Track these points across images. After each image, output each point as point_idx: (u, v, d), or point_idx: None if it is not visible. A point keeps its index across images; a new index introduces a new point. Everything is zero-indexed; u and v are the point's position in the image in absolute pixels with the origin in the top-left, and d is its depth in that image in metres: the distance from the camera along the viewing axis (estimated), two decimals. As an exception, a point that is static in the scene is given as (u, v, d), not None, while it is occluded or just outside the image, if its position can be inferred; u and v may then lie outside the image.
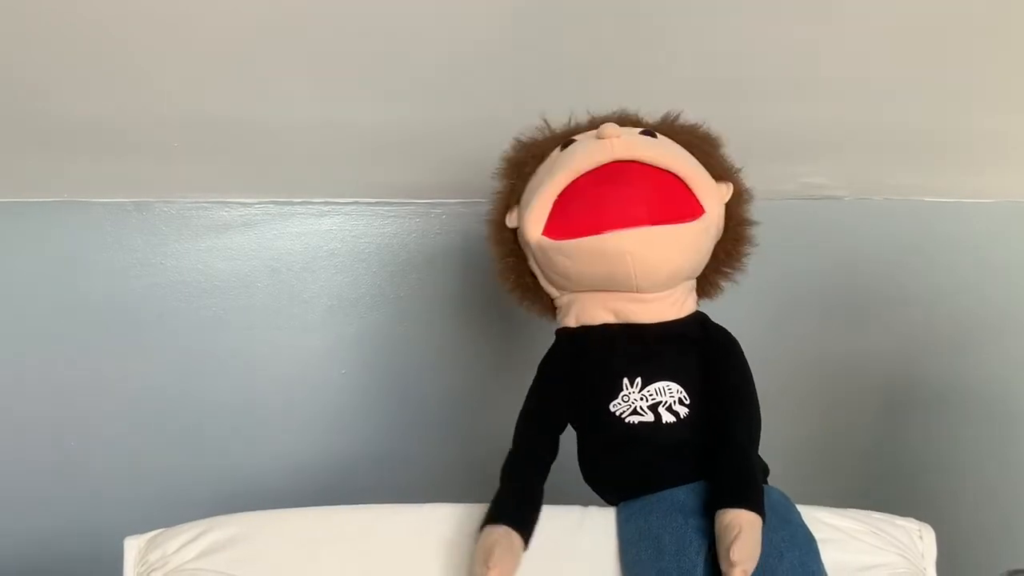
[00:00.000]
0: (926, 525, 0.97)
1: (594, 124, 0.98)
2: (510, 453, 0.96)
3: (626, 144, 0.92)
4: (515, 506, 0.92)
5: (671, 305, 0.95)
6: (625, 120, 0.99)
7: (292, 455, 1.43)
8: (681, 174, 0.93)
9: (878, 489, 1.44)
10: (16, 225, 1.40)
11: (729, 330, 0.98)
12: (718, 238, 0.98)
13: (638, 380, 0.93)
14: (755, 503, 0.85)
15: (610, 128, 0.92)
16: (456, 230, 1.45)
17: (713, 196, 0.95)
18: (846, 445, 1.48)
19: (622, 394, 0.93)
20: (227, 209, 1.43)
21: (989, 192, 1.47)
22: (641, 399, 0.92)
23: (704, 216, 0.93)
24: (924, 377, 1.47)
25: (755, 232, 1.01)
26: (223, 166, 1.38)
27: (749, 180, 1.41)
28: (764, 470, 0.95)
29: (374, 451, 1.44)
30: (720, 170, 0.98)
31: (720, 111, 1.25)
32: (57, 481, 1.40)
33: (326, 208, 1.45)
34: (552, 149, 0.98)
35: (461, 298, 1.45)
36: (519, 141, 1.02)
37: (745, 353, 0.98)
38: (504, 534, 0.88)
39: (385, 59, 1.21)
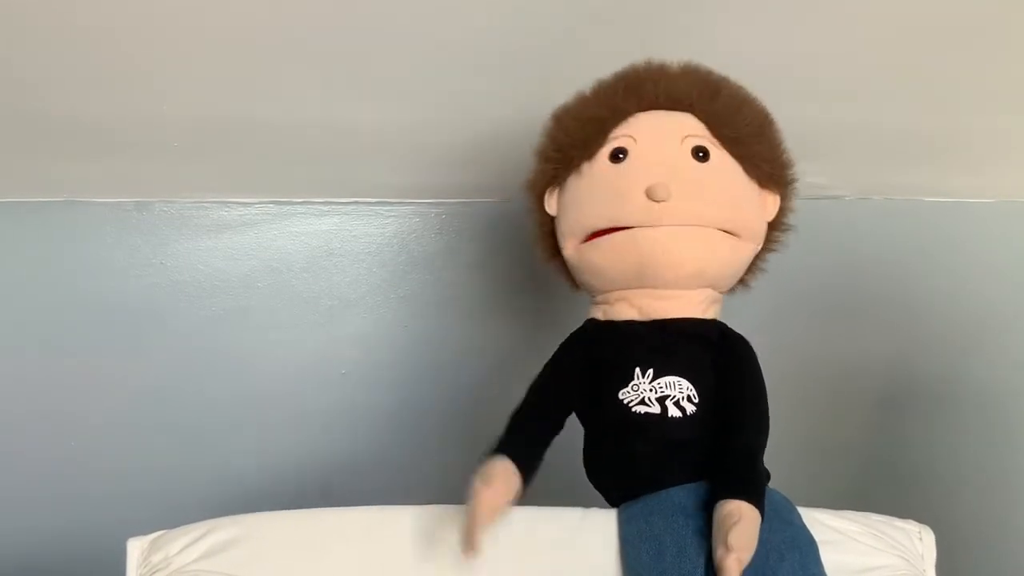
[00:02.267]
0: (926, 527, 0.97)
1: (650, 74, 0.98)
2: (517, 409, 0.97)
3: (673, 213, 0.92)
4: (519, 444, 0.93)
5: (695, 305, 0.96)
6: (690, 75, 0.98)
7: (292, 455, 1.43)
8: (725, 228, 0.95)
9: (877, 491, 1.44)
10: (16, 225, 1.40)
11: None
12: (751, 259, 1.01)
13: (650, 371, 0.93)
14: (756, 498, 0.86)
15: (660, 191, 0.91)
16: (456, 230, 1.45)
17: (753, 235, 0.98)
18: (845, 446, 1.48)
19: (632, 383, 0.94)
20: (227, 209, 1.43)
21: (989, 192, 1.47)
22: (650, 390, 0.93)
23: (737, 240, 0.96)
24: (924, 377, 1.47)
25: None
26: (223, 166, 1.38)
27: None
28: (766, 476, 0.95)
29: (375, 451, 1.44)
30: (771, 179, 0.99)
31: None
32: (58, 482, 1.40)
33: (326, 208, 1.45)
34: (602, 140, 0.96)
35: (461, 298, 1.45)
36: (567, 113, 1.00)
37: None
38: (504, 464, 0.90)
39: (385, 59, 1.21)
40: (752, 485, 0.87)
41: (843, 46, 1.23)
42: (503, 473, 0.89)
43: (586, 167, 0.97)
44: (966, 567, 1.13)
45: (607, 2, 1.16)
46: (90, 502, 1.39)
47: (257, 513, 0.96)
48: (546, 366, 1.00)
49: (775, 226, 1.02)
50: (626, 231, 0.93)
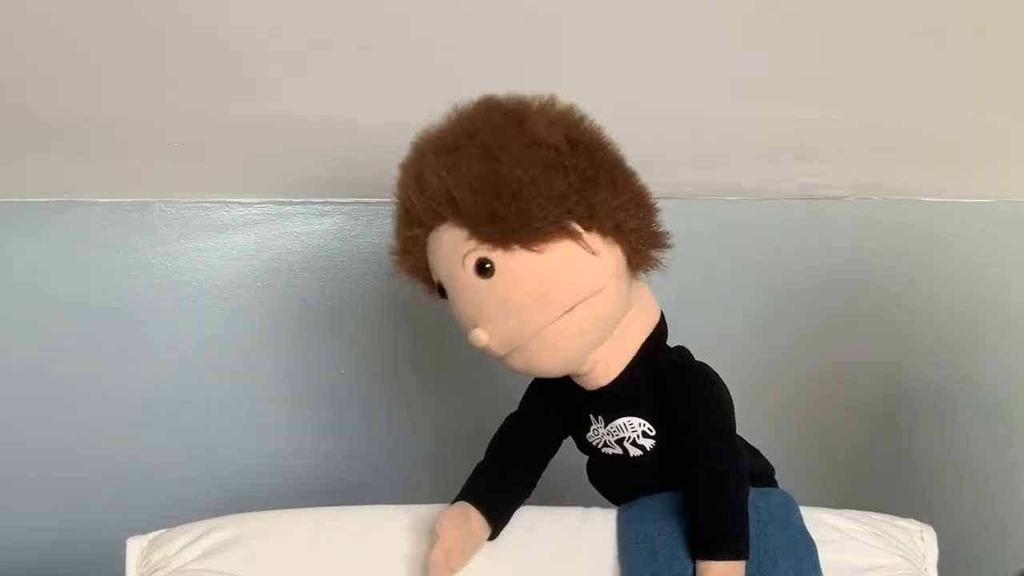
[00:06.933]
0: (927, 526, 0.97)
1: (407, 191, 0.90)
2: (495, 436, 0.98)
3: (503, 344, 0.85)
4: (481, 484, 0.94)
5: (601, 372, 0.89)
6: (427, 184, 0.86)
7: (292, 455, 1.43)
8: (562, 312, 0.84)
9: (878, 490, 1.44)
10: (16, 225, 1.40)
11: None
12: (621, 274, 0.87)
13: (601, 417, 0.92)
14: (723, 550, 0.85)
15: (476, 342, 0.85)
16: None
17: (597, 284, 0.85)
18: (846, 444, 1.48)
19: (592, 427, 0.93)
20: (227, 209, 1.43)
21: (989, 192, 1.47)
22: (608, 434, 0.92)
23: (584, 304, 0.85)
24: (924, 377, 1.47)
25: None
26: (223, 166, 1.38)
27: (749, 180, 1.43)
28: (764, 473, 0.95)
29: (374, 451, 1.44)
30: (561, 223, 0.83)
31: (720, 111, 1.26)
32: (57, 481, 1.40)
33: (326, 208, 1.45)
34: (429, 277, 0.90)
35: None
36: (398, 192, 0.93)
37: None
38: (459, 509, 0.91)
39: (386, 59, 1.21)
40: (717, 537, 0.85)
41: (843, 46, 1.23)
42: (456, 514, 0.91)
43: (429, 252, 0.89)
44: (967, 566, 1.13)
45: (609, 4, 1.16)
46: (90, 501, 1.39)
47: (256, 512, 0.96)
48: (525, 396, 1.00)
49: (622, 232, 0.86)
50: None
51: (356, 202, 1.45)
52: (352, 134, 1.32)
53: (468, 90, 1.25)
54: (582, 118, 0.87)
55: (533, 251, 0.82)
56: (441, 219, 0.85)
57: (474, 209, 0.82)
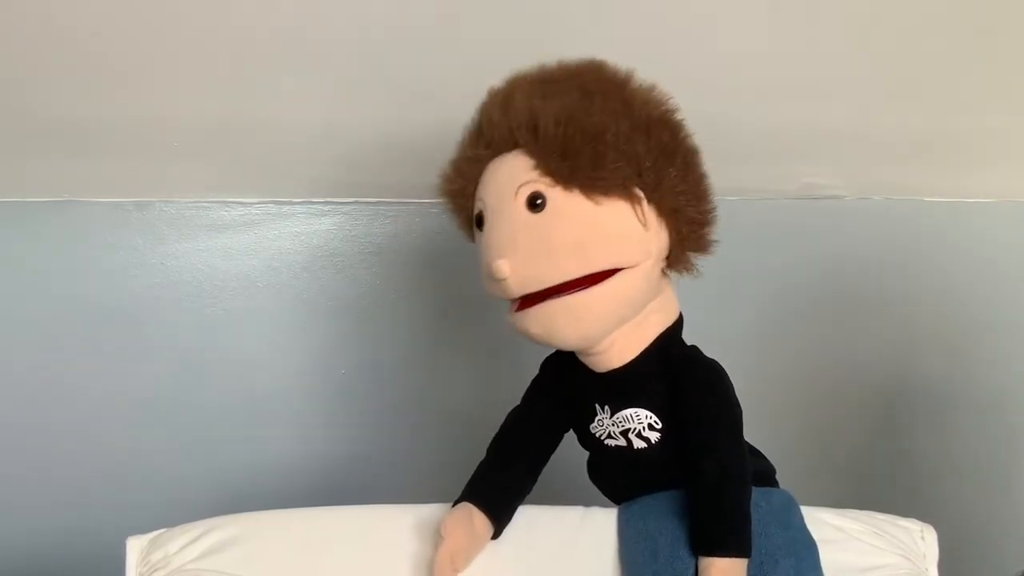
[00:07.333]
0: (928, 526, 0.97)
1: (490, 108, 0.89)
2: (490, 445, 0.98)
3: (522, 283, 0.85)
4: (483, 484, 0.95)
5: (616, 354, 0.90)
6: (515, 103, 0.86)
7: (292, 455, 1.43)
8: (588, 273, 0.85)
9: (879, 490, 1.44)
10: (16, 225, 1.40)
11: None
12: (659, 259, 0.88)
13: (607, 407, 0.92)
14: (726, 546, 0.84)
15: (495, 271, 0.84)
16: (456, 230, 1.45)
17: (633, 256, 0.86)
18: (847, 445, 1.48)
19: (597, 418, 0.93)
20: (227, 209, 1.43)
21: (989, 192, 1.47)
22: (612, 425, 0.92)
23: (607, 281, 0.85)
24: (924, 377, 1.47)
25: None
26: (223, 166, 1.38)
27: (749, 180, 1.43)
28: (766, 473, 0.95)
29: (374, 451, 1.44)
30: (625, 186, 0.84)
31: (721, 111, 1.26)
32: (57, 481, 1.39)
33: (326, 208, 1.45)
34: (470, 205, 0.90)
35: (461, 298, 1.44)
36: (453, 161, 0.93)
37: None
38: (463, 510, 0.92)
39: (386, 59, 1.21)
40: (720, 533, 0.85)
41: (843, 45, 1.23)
42: (460, 517, 0.91)
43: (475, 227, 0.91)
44: (968, 566, 1.13)
45: (608, 4, 1.16)
46: (90, 501, 1.39)
47: (256, 512, 0.96)
48: (527, 390, 1.00)
49: (678, 219, 0.87)
50: (513, 315, 0.89)
51: (356, 202, 1.45)
52: (352, 134, 1.32)
53: (468, 89, 1.25)
54: (676, 109, 0.89)
55: (590, 199, 0.84)
56: (513, 144, 0.86)
57: (552, 140, 0.83)
